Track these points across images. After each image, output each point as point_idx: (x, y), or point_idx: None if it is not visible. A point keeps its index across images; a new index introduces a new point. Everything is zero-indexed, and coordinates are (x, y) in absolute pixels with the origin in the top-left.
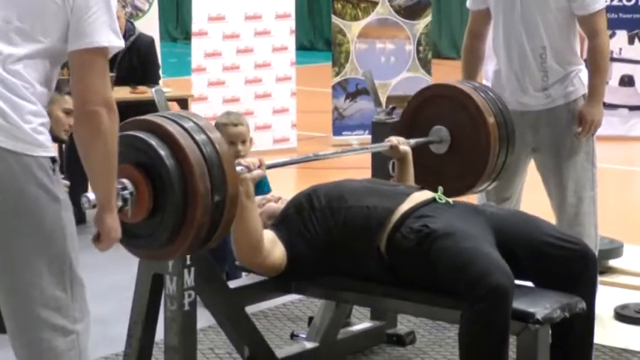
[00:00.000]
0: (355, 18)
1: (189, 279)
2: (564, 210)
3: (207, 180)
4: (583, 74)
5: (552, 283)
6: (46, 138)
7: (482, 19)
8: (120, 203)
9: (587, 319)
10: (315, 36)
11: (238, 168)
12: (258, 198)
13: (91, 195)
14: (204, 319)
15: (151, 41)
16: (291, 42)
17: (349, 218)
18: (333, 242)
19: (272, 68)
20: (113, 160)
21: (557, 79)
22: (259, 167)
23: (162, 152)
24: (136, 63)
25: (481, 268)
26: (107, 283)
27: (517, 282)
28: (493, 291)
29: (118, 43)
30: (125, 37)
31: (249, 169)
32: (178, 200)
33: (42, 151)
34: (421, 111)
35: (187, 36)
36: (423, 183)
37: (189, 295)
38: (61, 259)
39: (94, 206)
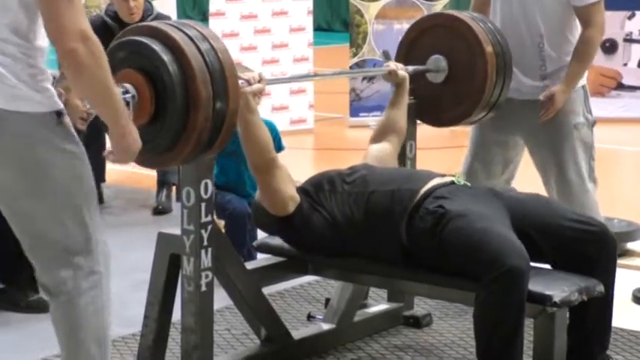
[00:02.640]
0: None
1: (206, 259)
2: (568, 202)
3: (209, 86)
4: None
5: (571, 265)
6: (44, 93)
7: (482, 4)
8: None
9: (605, 302)
10: (333, 17)
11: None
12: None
13: None
14: (221, 299)
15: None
16: (308, 22)
17: (373, 203)
18: (353, 225)
19: (289, 49)
20: (105, 88)
21: (556, 68)
22: (259, 82)
23: (165, 57)
24: None
25: (496, 248)
26: (124, 264)
27: (534, 264)
28: (508, 272)
29: None
30: (143, 17)
31: (248, 83)
32: (180, 105)
33: (41, 107)
34: (419, 40)
35: (204, 16)
36: (420, 113)
37: (207, 276)
38: (82, 206)
39: None
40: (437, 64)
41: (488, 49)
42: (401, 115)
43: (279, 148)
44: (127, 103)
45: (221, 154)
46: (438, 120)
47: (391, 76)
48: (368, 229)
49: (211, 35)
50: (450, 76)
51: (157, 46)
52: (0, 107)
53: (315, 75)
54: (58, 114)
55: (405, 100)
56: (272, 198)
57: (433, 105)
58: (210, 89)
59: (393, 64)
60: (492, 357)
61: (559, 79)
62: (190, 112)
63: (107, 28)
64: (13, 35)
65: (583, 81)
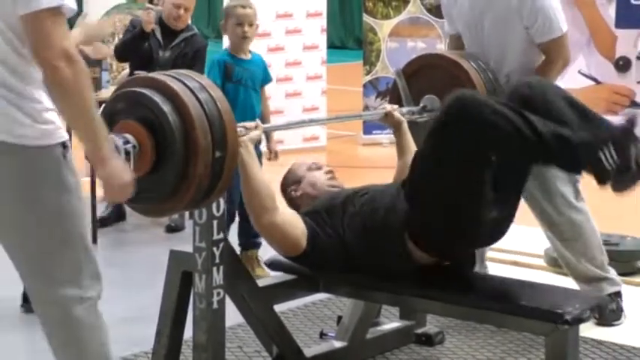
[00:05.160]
0: (387, 17)
1: (218, 277)
2: (555, 224)
3: (208, 136)
4: None
5: None
6: (49, 126)
7: (457, 41)
8: (122, 157)
9: None
10: (346, 35)
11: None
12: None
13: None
14: (232, 317)
15: (205, 45)
16: (322, 40)
17: (381, 220)
18: (364, 244)
19: (302, 67)
20: (88, 111)
21: None
22: (256, 128)
23: (166, 108)
24: (187, 58)
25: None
26: (137, 281)
27: (545, 282)
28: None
29: (71, 4)
30: (183, 29)
31: (246, 130)
32: (180, 154)
33: (47, 140)
34: (413, 80)
35: (218, 34)
36: None
37: (218, 294)
38: (73, 240)
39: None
40: (431, 104)
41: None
42: (409, 158)
43: (266, 79)
44: (128, 153)
45: None
46: None
47: (387, 118)
48: (379, 246)
49: (210, 85)
50: None
51: (157, 97)
52: (5, 141)
53: (311, 120)
54: (64, 145)
55: (408, 140)
56: (282, 244)
57: None
58: (210, 138)
59: (389, 106)
60: None
61: None
62: (190, 161)
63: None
64: (14, 72)
65: None
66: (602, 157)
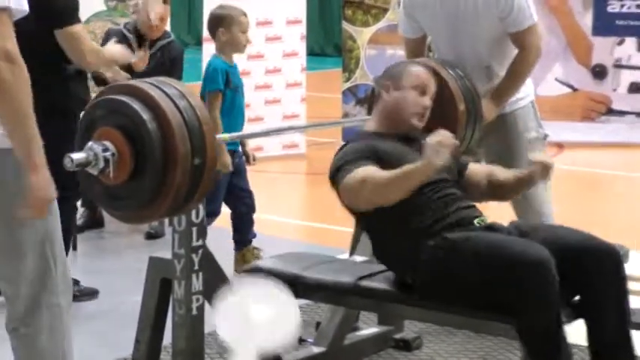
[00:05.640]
0: (366, 24)
1: (197, 283)
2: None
3: (187, 143)
4: (528, 83)
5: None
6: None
7: (417, 45)
8: (102, 164)
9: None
10: (326, 42)
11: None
12: None
13: (75, 155)
14: (212, 323)
15: (182, 52)
16: (301, 48)
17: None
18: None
19: (282, 74)
20: (23, 114)
21: None
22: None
23: (145, 116)
24: (166, 66)
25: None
26: (116, 288)
27: None
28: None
29: (18, 6)
30: (160, 37)
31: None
32: (159, 162)
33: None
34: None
35: (198, 41)
36: None
37: (198, 300)
38: (44, 243)
39: (77, 165)
40: None
41: (461, 107)
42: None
43: (217, 87)
44: (107, 161)
45: None
46: None
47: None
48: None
49: (189, 92)
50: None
51: (136, 105)
52: None
53: (290, 128)
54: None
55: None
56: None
57: None
58: (189, 145)
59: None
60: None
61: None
62: (169, 169)
63: (125, 39)
64: None
65: (531, 97)
66: None
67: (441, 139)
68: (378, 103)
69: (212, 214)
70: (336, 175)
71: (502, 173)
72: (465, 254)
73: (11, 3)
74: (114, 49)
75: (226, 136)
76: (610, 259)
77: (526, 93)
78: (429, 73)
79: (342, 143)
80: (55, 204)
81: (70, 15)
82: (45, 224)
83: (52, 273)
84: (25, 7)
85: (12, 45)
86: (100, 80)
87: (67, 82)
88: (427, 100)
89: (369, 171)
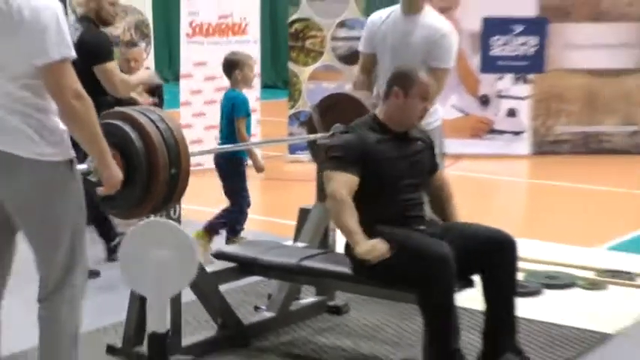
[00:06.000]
0: (306, 64)
1: None
2: None
3: (166, 157)
4: (439, 109)
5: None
6: (61, 146)
7: (370, 61)
8: (97, 177)
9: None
10: (276, 78)
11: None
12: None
13: (79, 166)
14: (187, 295)
15: (161, 86)
16: (257, 82)
17: None
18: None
19: None
20: (95, 133)
21: None
22: None
23: (133, 135)
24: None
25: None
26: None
27: None
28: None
29: (73, 53)
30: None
31: None
32: (144, 172)
33: (57, 157)
34: (326, 113)
35: (177, 77)
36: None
37: None
38: (76, 233)
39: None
40: (338, 131)
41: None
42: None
43: (247, 114)
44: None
45: None
46: None
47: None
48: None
49: (168, 117)
50: None
51: (127, 127)
52: (28, 157)
53: (240, 146)
54: (71, 162)
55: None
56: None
57: None
58: (167, 158)
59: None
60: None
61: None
62: (152, 177)
63: None
64: (34, 95)
65: (440, 120)
66: None
67: (372, 252)
68: (388, 100)
69: (248, 205)
70: (327, 161)
71: (443, 201)
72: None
73: (72, 53)
74: (140, 74)
75: (202, 150)
76: (508, 245)
77: (438, 116)
78: (432, 80)
79: (288, 155)
80: (84, 206)
81: (105, 55)
82: (76, 223)
83: (76, 260)
84: (74, 54)
85: (78, 85)
86: (133, 104)
87: (109, 108)
88: (428, 105)
89: (338, 188)
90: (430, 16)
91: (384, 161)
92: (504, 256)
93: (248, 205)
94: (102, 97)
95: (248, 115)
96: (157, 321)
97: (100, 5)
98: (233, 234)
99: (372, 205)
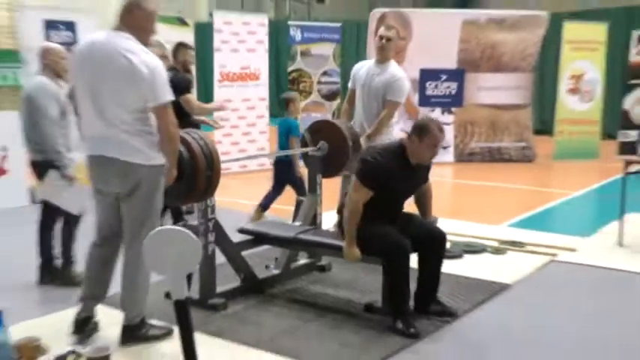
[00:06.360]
0: (300, 101)
1: (211, 237)
2: None
3: (204, 163)
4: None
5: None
6: (159, 154)
7: (353, 94)
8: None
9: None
10: (279, 109)
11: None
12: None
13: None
14: (220, 258)
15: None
16: (266, 113)
17: None
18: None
19: (256, 126)
20: (175, 149)
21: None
22: None
23: (182, 149)
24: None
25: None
26: None
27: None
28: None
29: (172, 95)
30: None
31: None
32: (190, 173)
33: (155, 161)
34: (315, 133)
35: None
36: (322, 170)
37: (212, 246)
38: (157, 210)
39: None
40: (323, 146)
41: (350, 143)
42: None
43: (298, 134)
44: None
45: None
46: (326, 173)
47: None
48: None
49: (205, 136)
50: (329, 152)
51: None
52: (135, 162)
53: (254, 156)
54: (162, 165)
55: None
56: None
57: (323, 167)
58: (205, 164)
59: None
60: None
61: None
62: (195, 176)
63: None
64: (140, 123)
65: (393, 137)
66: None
67: (350, 256)
68: (409, 141)
69: (302, 184)
70: (359, 171)
71: (427, 200)
72: (367, 232)
73: (171, 97)
74: (212, 104)
75: (230, 159)
76: (439, 235)
77: (393, 135)
78: (442, 133)
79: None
80: (162, 196)
81: (185, 89)
82: (157, 207)
83: (146, 229)
84: (172, 97)
85: (173, 117)
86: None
87: (193, 126)
88: (435, 152)
89: (359, 200)
90: (392, 66)
91: (396, 184)
92: (436, 244)
93: (301, 184)
94: (188, 117)
95: (299, 135)
96: (177, 293)
97: (185, 64)
98: (263, 209)
99: (376, 204)
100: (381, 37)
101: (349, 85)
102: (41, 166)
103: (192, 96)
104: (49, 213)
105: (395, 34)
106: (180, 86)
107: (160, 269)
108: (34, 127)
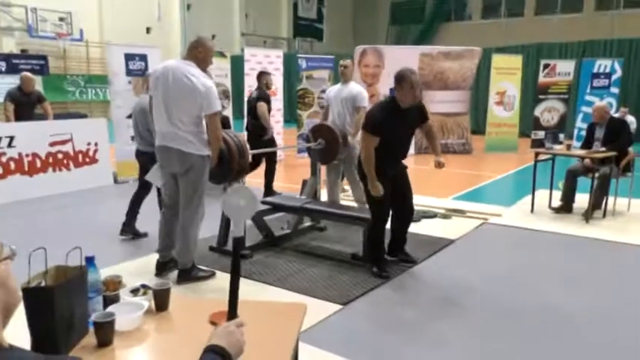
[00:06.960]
0: (305, 110)
1: None
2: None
3: (236, 153)
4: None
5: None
6: (206, 147)
7: (328, 110)
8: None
9: (405, 227)
10: (291, 116)
11: None
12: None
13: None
14: (248, 221)
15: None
16: (281, 119)
17: None
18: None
19: (273, 128)
20: (219, 146)
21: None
22: None
23: (223, 144)
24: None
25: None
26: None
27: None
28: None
29: (220, 107)
30: None
31: None
32: (227, 159)
33: (204, 152)
34: (315, 132)
35: (243, 116)
36: (320, 160)
37: None
38: (204, 188)
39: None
40: (322, 141)
41: (340, 140)
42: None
43: None
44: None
45: None
46: (323, 161)
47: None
48: None
49: (238, 134)
50: (325, 146)
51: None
52: (189, 152)
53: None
54: (208, 156)
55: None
56: None
57: (322, 155)
58: (237, 154)
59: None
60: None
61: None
62: (232, 161)
63: None
64: (197, 131)
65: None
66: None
67: (375, 192)
68: (397, 90)
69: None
70: (365, 125)
71: (432, 139)
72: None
73: (220, 108)
74: (266, 116)
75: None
76: (410, 208)
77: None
78: (415, 75)
79: (297, 154)
80: (207, 172)
81: (264, 100)
82: (204, 184)
83: (199, 200)
84: (220, 107)
85: (219, 123)
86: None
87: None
88: (416, 92)
89: (368, 146)
90: (352, 84)
91: (394, 127)
92: (406, 213)
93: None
94: (226, 125)
95: None
96: (237, 232)
97: (267, 84)
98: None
99: (382, 149)
100: (341, 66)
101: (324, 103)
102: (147, 155)
103: (265, 106)
104: (146, 190)
105: (350, 63)
106: (263, 98)
107: (230, 214)
108: (147, 129)
